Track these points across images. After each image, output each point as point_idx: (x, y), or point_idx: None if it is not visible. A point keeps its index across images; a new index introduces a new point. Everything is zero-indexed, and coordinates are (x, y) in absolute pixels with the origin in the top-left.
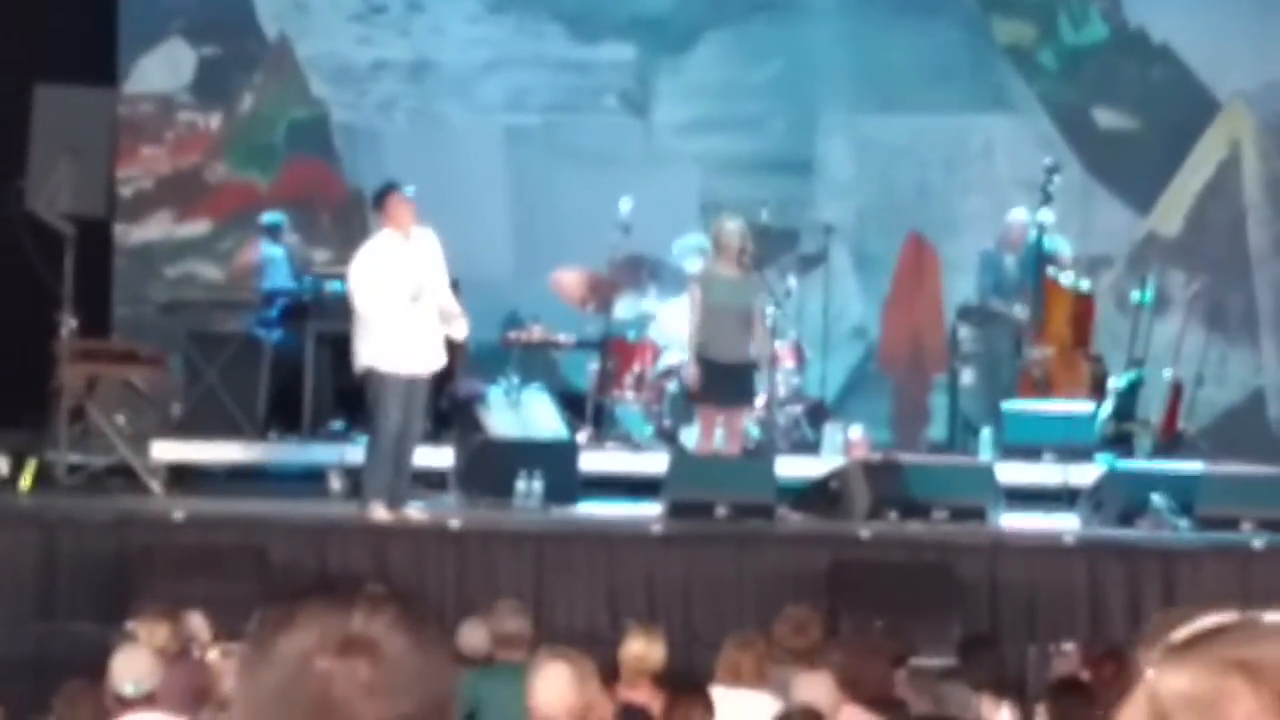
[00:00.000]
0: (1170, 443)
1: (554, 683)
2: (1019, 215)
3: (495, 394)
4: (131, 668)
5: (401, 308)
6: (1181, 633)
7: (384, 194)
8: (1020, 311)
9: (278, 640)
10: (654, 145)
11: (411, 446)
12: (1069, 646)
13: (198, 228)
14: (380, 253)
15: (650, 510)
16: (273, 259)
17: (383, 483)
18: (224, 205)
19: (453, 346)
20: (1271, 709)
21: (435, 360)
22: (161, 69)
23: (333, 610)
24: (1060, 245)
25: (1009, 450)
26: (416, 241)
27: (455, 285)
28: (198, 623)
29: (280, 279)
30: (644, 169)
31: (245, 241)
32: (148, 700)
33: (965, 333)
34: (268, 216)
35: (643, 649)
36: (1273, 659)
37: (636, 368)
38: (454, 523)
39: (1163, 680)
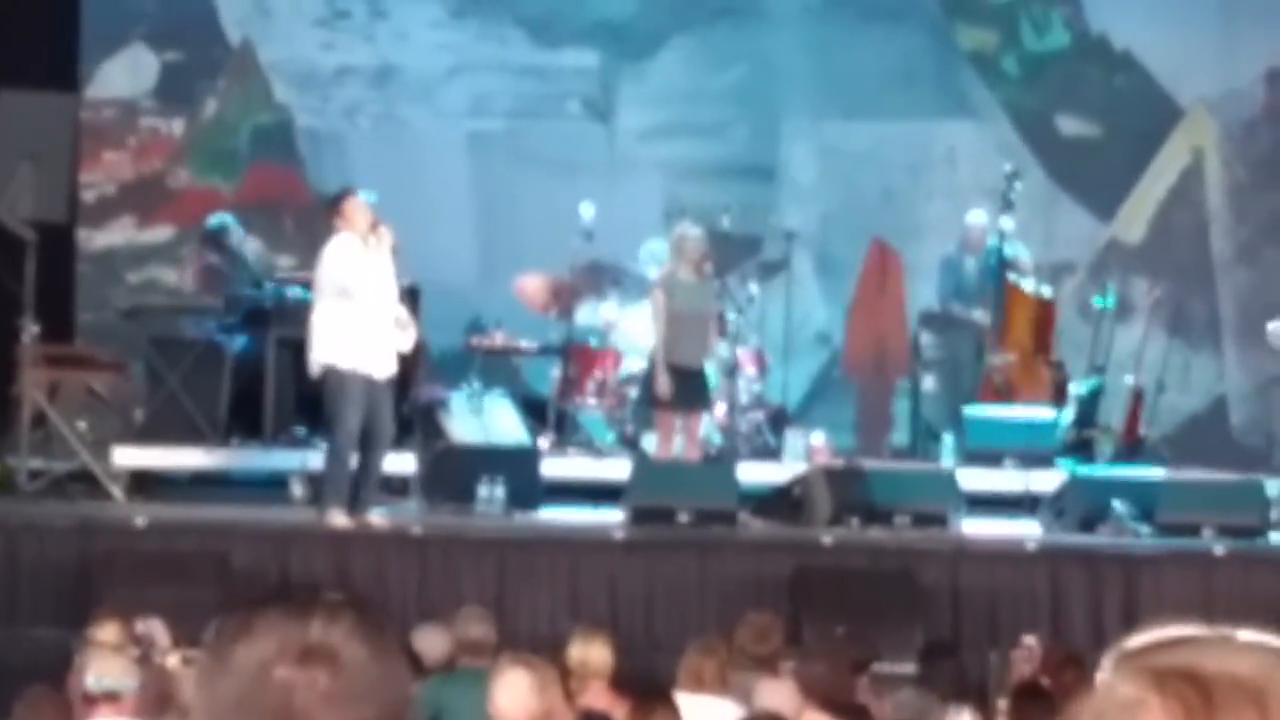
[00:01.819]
0: (1132, 449)
1: (515, 689)
2: (977, 217)
3: (457, 400)
4: (108, 665)
5: (363, 308)
6: (1133, 642)
7: (340, 198)
8: (982, 317)
9: (236, 649)
10: (617, 151)
11: (381, 452)
12: (1030, 640)
13: (160, 234)
14: (344, 252)
15: (612, 516)
16: (217, 268)
17: (342, 489)
18: (187, 211)
19: (415, 352)
20: (1175, 718)
21: (390, 365)
22: (124, 74)
23: (291, 619)
24: (1020, 251)
25: (971, 456)
26: (375, 245)
27: (416, 291)
28: (158, 629)
29: (235, 283)
30: (607, 175)
31: (191, 253)
32: (113, 703)
33: (928, 339)
34: (212, 220)
35: (582, 652)
36: (1183, 670)
37: (599, 374)
38: (416, 529)
39: (1103, 689)
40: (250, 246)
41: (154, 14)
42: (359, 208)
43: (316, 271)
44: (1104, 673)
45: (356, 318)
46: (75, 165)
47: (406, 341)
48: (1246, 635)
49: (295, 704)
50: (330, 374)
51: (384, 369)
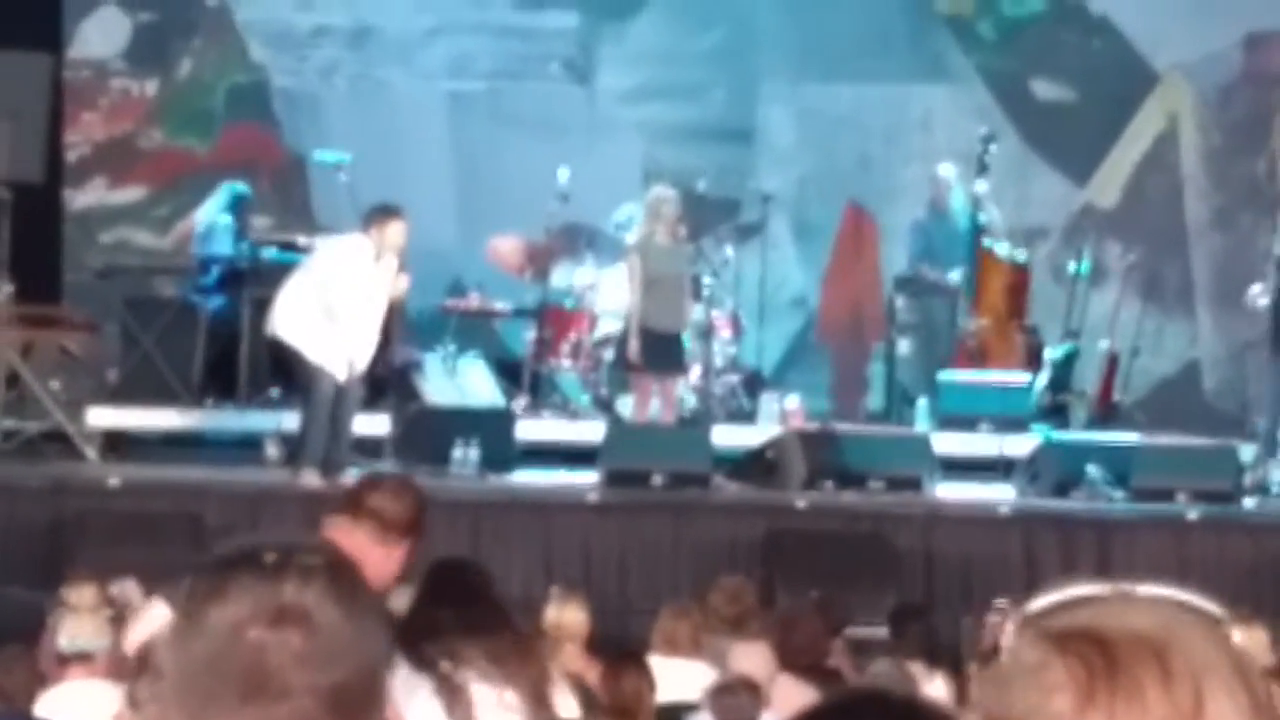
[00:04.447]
0: (1106, 414)
1: None
2: (944, 170)
3: (432, 362)
4: (80, 626)
5: (360, 320)
6: (1036, 604)
7: (389, 214)
8: (956, 281)
9: (208, 610)
10: (596, 113)
11: (350, 413)
12: (1003, 604)
13: (132, 194)
14: (362, 261)
15: (587, 479)
16: (216, 227)
17: (317, 450)
18: (160, 172)
19: (392, 313)
20: (1076, 678)
21: (359, 366)
22: (98, 35)
23: (264, 580)
24: (994, 215)
25: (945, 421)
26: (384, 267)
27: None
28: (131, 589)
29: (222, 247)
30: (587, 137)
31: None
32: (86, 663)
33: (902, 303)
34: (236, 187)
35: (556, 615)
36: (1084, 630)
37: (574, 336)
38: None
39: (1011, 651)
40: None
41: None
42: (401, 233)
43: (319, 256)
44: (1010, 637)
45: (338, 328)
46: (58, 126)
47: (401, 285)
48: (1147, 591)
49: (268, 665)
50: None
51: (349, 372)
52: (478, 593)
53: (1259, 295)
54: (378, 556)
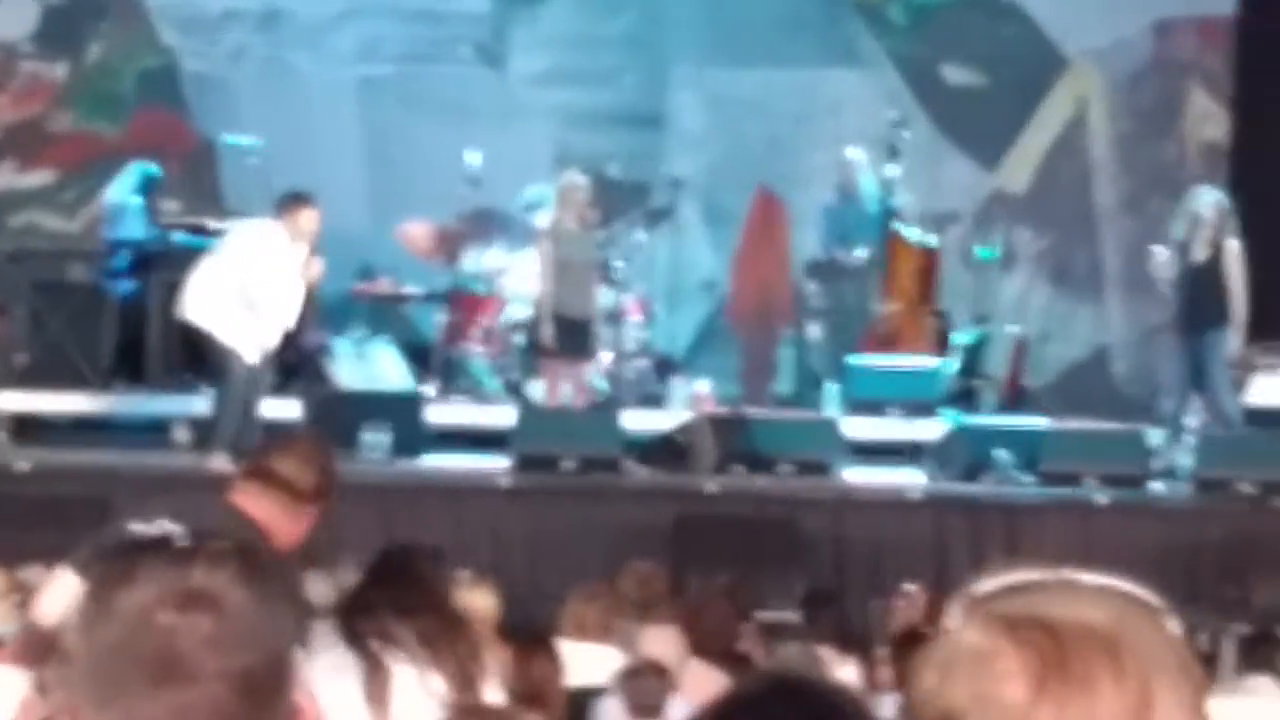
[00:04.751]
0: (1015, 399)
1: None
2: (853, 154)
3: (342, 346)
4: None
5: (277, 305)
6: (980, 588)
7: (300, 202)
8: (866, 265)
9: (117, 595)
10: (508, 97)
11: (259, 396)
12: (912, 588)
13: (42, 178)
14: (277, 247)
15: (498, 463)
16: (126, 208)
17: (228, 433)
18: (70, 155)
19: (304, 298)
20: (1030, 667)
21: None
22: (6, 18)
23: (173, 564)
24: (905, 200)
25: (855, 405)
26: (297, 252)
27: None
28: (40, 575)
29: (133, 230)
30: (498, 121)
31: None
32: None
33: (812, 287)
34: (146, 167)
35: (466, 600)
36: (1034, 618)
37: (484, 321)
38: None
39: (955, 634)
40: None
41: None
42: (313, 220)
43: (233, 241)
44: (952, 619)
45: (254, 314)
46: None
47: (314, 270)
48: (1091, 579)
49: (177, 648)
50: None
51: (261, 354)
52: (419, 576)
53: (1163, 263)
54: (286, 522)
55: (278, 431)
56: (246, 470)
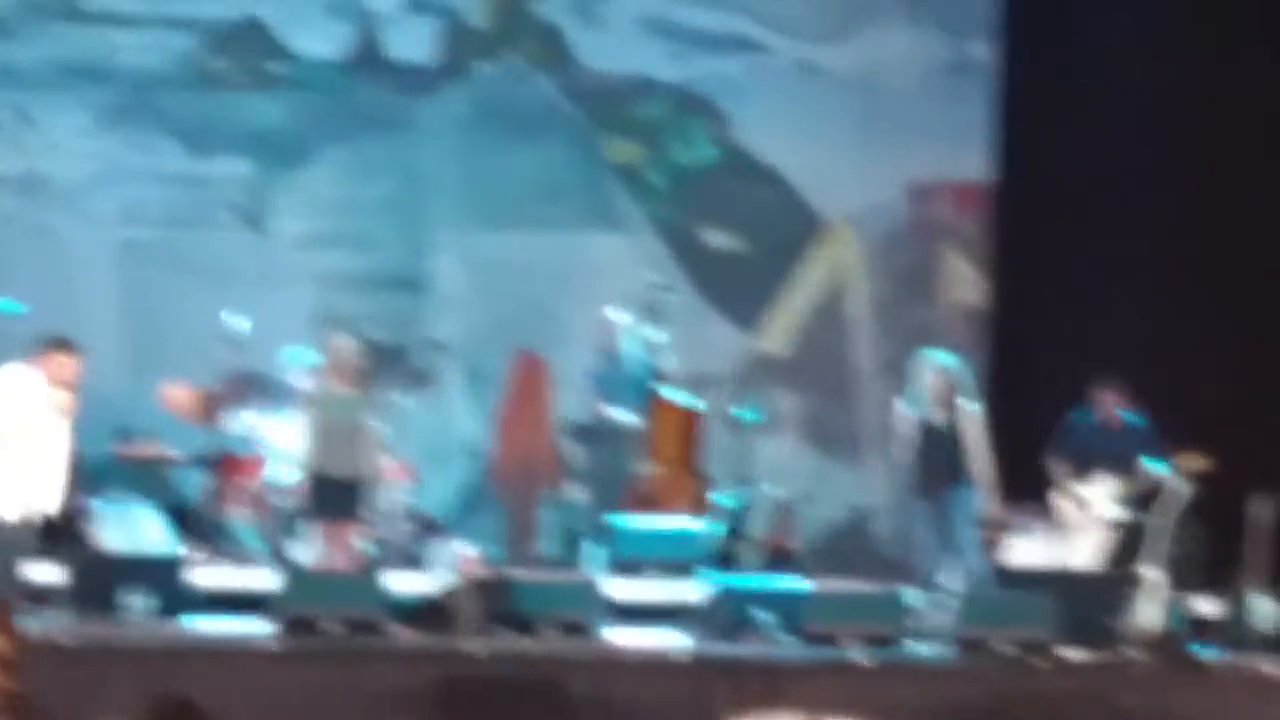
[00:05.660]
0: (778, 560)
1: None
2: (612, 314)
3: (104, 509)
4: None
5: (35, 454)
6: None
7: (57, 348)
8: (627, 422)
9: None
10: (269, 260)
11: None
12: None
13: None
14: (31, 391)
15: (263, 626)
16: None
17: None
18: None
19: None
20: None
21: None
22: None
23: None
24: (667, 362)
25: (617, 565)
26: (52, 395)
27: None
28: None
29: None
30: (259, 284)
31: None
32: None
33: (576, 449)
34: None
35: None
36: None
37: (248, 483)
38: (64, 639)
39: None
40: None
41: None
42: (68, 367)
43: None
44: None
45: (5, 458)
46: None
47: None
48: None
49: None
50: None
51: (24, 511)
52: None
53: (903, 419)
54: None
55: (40, 595)
56: None
